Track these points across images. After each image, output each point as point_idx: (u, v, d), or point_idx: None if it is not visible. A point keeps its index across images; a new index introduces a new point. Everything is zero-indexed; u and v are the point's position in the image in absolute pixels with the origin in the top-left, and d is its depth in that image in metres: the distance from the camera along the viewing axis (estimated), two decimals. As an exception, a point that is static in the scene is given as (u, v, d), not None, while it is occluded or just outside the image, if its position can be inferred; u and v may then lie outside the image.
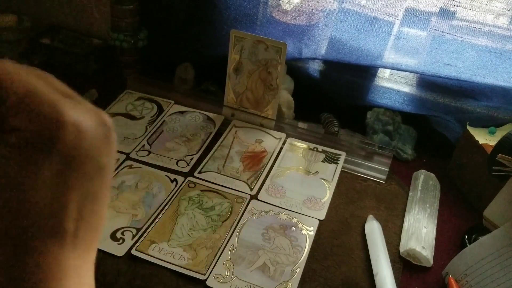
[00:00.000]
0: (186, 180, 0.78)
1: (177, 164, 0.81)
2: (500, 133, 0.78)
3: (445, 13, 0.82)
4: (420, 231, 0.70)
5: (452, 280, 0.63)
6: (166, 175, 0.78)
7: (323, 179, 0.81)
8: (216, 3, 0.92)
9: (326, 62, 0.95)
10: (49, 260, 0.22)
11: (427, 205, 0.76)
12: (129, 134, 0.86)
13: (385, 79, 0.95)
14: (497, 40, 0.80)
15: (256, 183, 0.79)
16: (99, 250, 0.64)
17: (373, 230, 0.70)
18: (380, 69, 0.94)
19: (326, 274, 0.65)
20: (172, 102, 0.95)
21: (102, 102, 0.94)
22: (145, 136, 0.87)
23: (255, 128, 0.91)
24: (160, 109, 0.93)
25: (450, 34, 0.81)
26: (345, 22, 0.88)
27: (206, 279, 0.62)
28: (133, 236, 0.67)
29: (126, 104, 0.94)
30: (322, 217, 0.74)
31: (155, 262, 0.64)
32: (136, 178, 0.77)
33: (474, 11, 0.79)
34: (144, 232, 0.68)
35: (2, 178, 0.21)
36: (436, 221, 0.75)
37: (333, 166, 0.84)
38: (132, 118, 0.91)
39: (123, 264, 0.63)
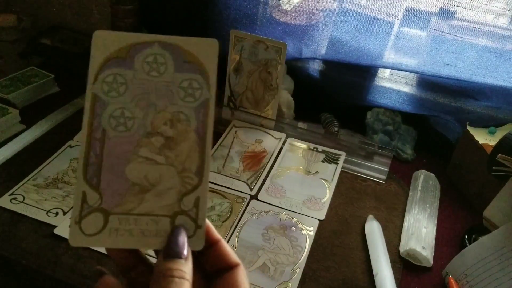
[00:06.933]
0: (186, 180, 0.78)
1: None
2: (500, 133, 0.78)
3: (445, 13, 0.82)
4: (420, 231, 0.70)
5: (452, 280, 0.63)
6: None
7: (323, 179, 0.81)
8: (216, 3, 0.92)
9: (326, 62, 0.95)
10: None
11: (427, 205, 0.76)
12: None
13: (385, 79, 0.95)
14: (497, 40, 0.80)
15: (256, 183, 0.79)
16: (99, 252, 0.64)
17: (373, 230, 0.70)
18: (380, 69, 0.94)
19: (326, 274, 0.65)
20: None
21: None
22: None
23: (255, 128, 0.91)
24: None
25: (450, 34, 0.81)
26: (345, 22, 0.88)
27: (206, 279, 0.62)
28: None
29: None
30: (322, 217, 0.74)
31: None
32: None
33: (474, 11, 0.79)
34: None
35: None
36: (436, 221, 0.75)
37: (333, 166, 0.84)
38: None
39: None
